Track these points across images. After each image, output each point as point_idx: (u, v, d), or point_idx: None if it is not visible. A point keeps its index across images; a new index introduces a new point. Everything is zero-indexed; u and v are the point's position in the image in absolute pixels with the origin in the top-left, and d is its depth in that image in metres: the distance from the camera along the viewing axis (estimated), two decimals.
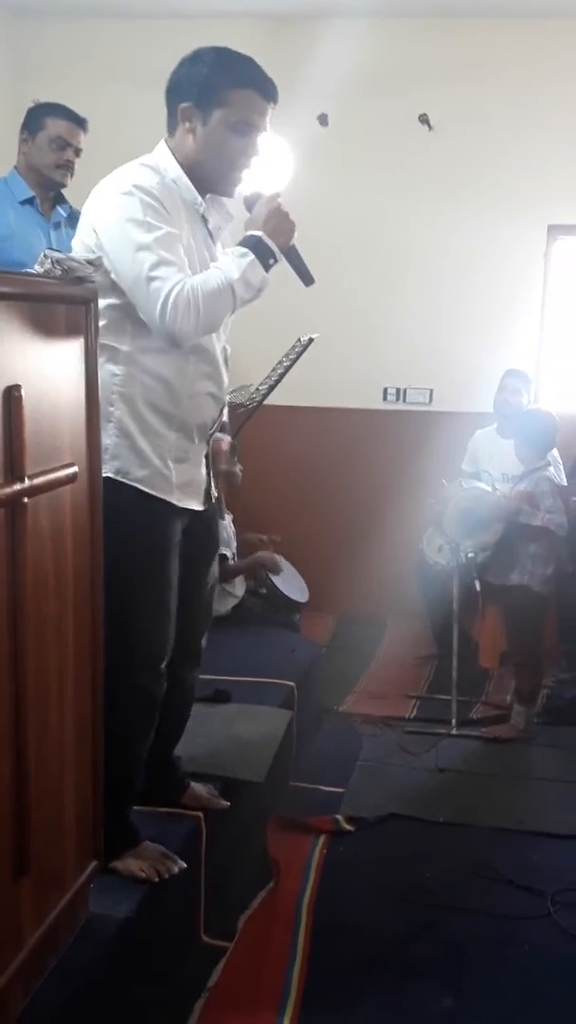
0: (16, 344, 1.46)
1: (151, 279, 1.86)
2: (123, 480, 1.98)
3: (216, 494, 2.26)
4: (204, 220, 2.08)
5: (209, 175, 2.04)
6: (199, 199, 2.04)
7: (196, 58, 2.01)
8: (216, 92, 1.97)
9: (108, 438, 1.96)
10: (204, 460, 2.18)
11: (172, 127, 2.05)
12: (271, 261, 1.98)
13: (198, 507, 2.15)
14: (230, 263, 1.94)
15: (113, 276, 1.92)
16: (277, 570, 4.11)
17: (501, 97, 4.72)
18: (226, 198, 2.14)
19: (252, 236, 1.98)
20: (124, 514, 1.95)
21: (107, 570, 1.86)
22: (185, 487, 2.09)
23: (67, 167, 3.13)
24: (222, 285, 1.90)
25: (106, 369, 1.94)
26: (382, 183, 4.79)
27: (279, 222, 2.00)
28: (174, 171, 2.02)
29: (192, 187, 2.03)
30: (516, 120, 4.73)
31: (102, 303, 1.92)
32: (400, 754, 3.56)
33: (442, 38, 4.72)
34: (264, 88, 2.00)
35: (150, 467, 2.01)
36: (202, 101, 1.98)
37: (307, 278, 2.08)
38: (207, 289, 1.88)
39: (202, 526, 2.19)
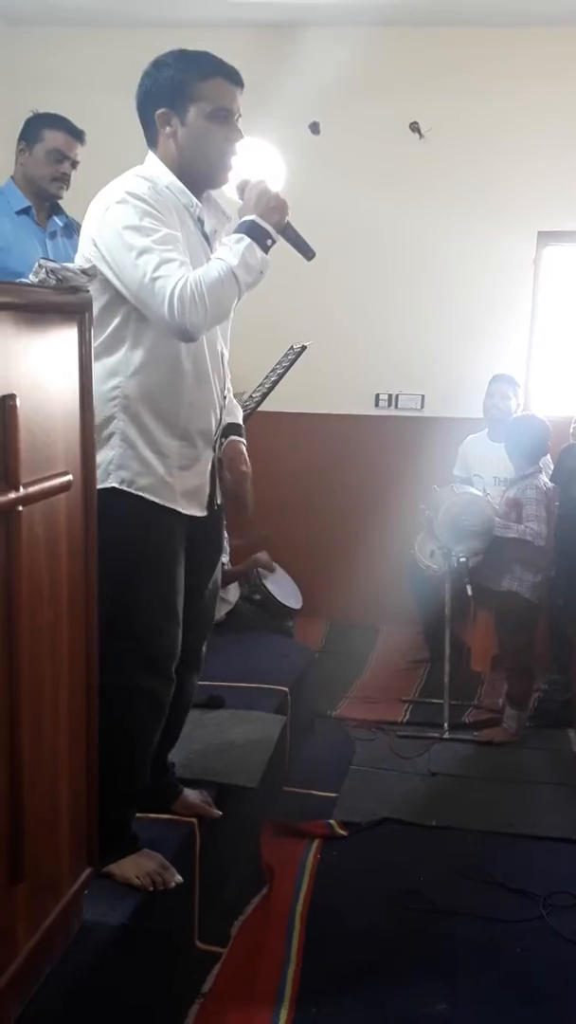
0: (11, 353, 1.47)
1: (155, 279, 1.88)
2: (128, 489, 2.00)
3: (220, 501, 2.25)
4: (200, 223, 2.09)
5: (200, 170, 2.07)
6: (194, 201, 2.07)
7: (158, 65, 2.06)
8: (186, 89, 2.02)
9: (112, 449, 1.98)
10: (209, 466, 2.18)
11: (152, 138, 2.09)
12: (269, 242, 1.99)
13: (200, 513, 2.15)
14: (227, 251, 1.96)
15: (117, 284, 1.94)
16: (271, 568, 4.12)
17: (491, 105, 4.75)
18: (221, 200, 2.17)
19: (245, 221, 2.00)
20: (131, 523, 1.97)
21: (115, 578, 1.89)
22: (189, 494, 2.11)
23: (63, 180, 3.14)
24: (223, 273, 1.91)
25: (107, 383, 1.96)
26: (373, 191, 4.81)
27: (268, 201, 2.01)
28: (166, 177, 2.05)
29: (186, 190, 2.06)
30: (506, 128, 4.76)
31: (101, 317, 1.94)
32: (393, 758, 3.57)
33: (432, 47, 4.75)
34: (229, 74, 2.05)
35: (154, 476, 2.03)
36: (175, 102, 2.03)
37: (307, 252, 2.09)
38: (209, 279, 1.89)
39: (204, 533, 2.20)
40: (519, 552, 3.65)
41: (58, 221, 3.23)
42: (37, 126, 3.12)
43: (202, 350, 2.07)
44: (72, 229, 3.21)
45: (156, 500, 2.03)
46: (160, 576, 2.06)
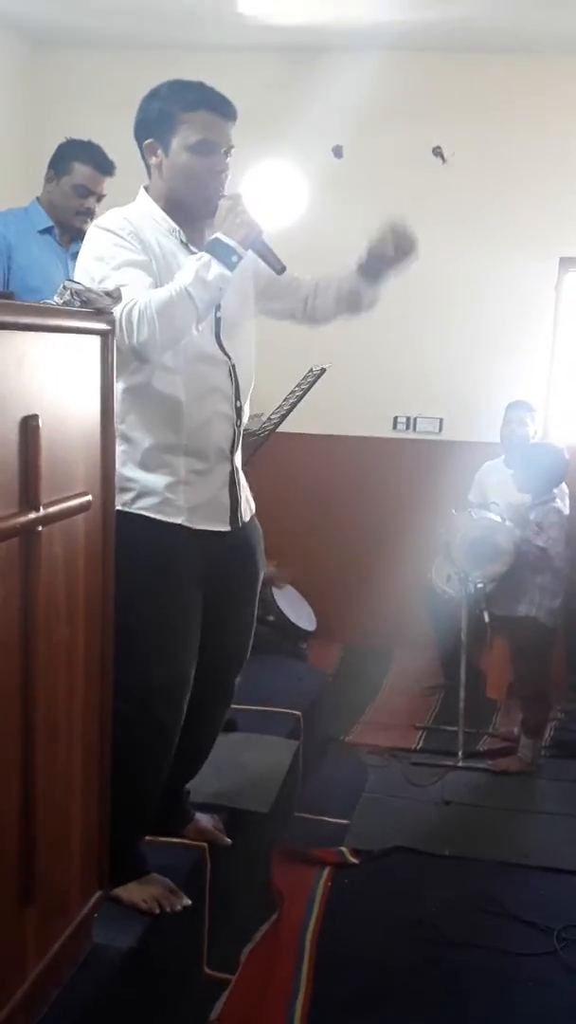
0: (35, 374, 1.48)
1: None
2: (126, 509, 2.00)
3: (247, 518, 2.23)
4: (187, 248, 2.08)
5: (184, 201, 2.09)
6: (174, 226, 2.08)
7: (151, 96, 2.09)
8: (170, 120, 2.04)
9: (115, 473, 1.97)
10: (230, 479, 2.16)
11: (146, 168, 2.13)
12: (234, 258, 1.98)
13: (222, 528, 2.13)
14: (185, 271, 1.96)
15: None
16: (281, 583, 4.12)
17: (514, 131, 4.76)
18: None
19: (210, 240, 2.01)
20: (130, 543, 1.94)
21: (121, 599, 1.87)
22: (200, 508, 2.09)
23: (87, 214, 3.12)
24: (174, 292, 1.92)
25: None
26: (395, 214, 4.82)
27: (233, 218, 2.01)
28: (147, 206, 2.09)
29: (166, 216, 2.08)
30: (529, 153, 4.77)
31: None
32: (406, 786, 3.53)
33: (456, 72, 4.78)
34: (215, 105, 2.05)
35: (154, 493, 2.03)
36: (160, 133, 2.06)
37: (275, 265, 2.09)
38: (159, 299, 1.90)
39: (232, 556, 2.17)
40: (544, 574, 3.62)
41: (80, 244, 3.24)
42: (67, 157, 3.12)
43: (199, 368, 2.07)
44: None
45: (157, 517, 2.03)
46: (164, 598, 2.04)
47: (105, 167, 3.12)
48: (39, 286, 2.93)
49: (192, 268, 1.94)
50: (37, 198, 3.21)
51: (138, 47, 4.73)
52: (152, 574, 2.02)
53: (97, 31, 4.72)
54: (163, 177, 2.09)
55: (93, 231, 2.05)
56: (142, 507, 2.02)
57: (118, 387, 1.93)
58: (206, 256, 1.96)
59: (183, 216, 2.09)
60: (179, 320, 1.93)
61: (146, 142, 2.08)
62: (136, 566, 1.95)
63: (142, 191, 2.13)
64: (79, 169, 3.10)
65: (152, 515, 2.03)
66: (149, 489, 2.03)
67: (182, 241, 2.09)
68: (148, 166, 2.11)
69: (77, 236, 3.20)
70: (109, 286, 1.87)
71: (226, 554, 2.15)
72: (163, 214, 2.08)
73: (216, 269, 1.94)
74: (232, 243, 1.98)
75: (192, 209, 2.09)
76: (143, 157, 2.12)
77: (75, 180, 3.10)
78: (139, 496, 2.02)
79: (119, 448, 1.97)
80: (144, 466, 2.03)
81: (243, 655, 2.33)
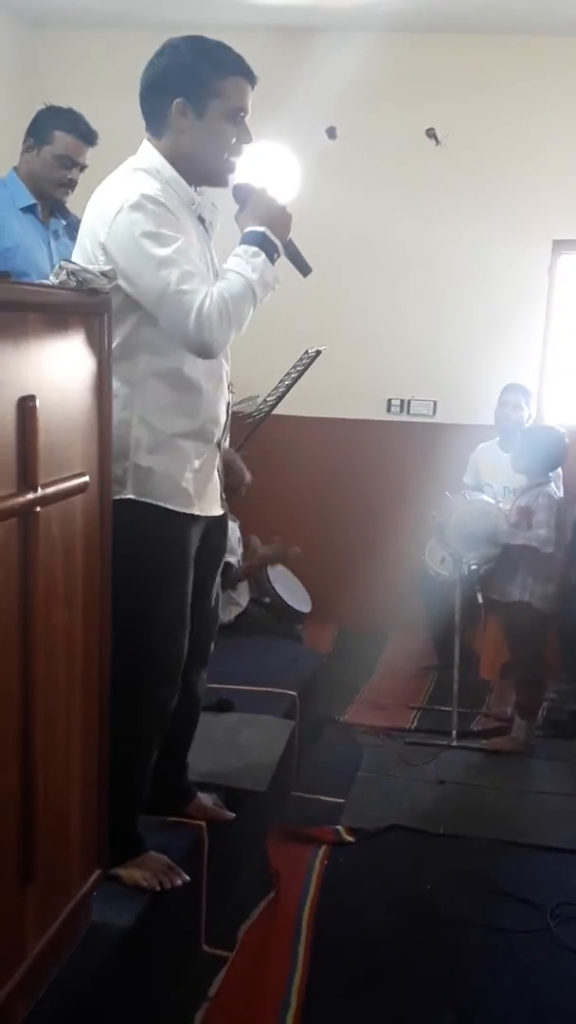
0: (31, 355, 1.47)
1: (181, 292, 1.85)
2: (145, 500, 1.98)
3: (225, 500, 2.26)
4: (200, 220, 2.06)
5: (205, 167, 2.02)
6: (196, 198, 2.03)
7: (173, 52, 1.99)
8: (208, 83, 1.96)
9: (128, 459, 1.96)
10: (216, 464, 2.18)
11: (158, 126, 2.01)
12: (276, 256, 1.98)
13: (219, 512, 2.16)
14: (244, 264, 1.93)
15: (131, 292, 1.90)
16: (284, 559, 4.14)
17: (508, 113, 4.74)
18: (210, 188, 2.11)
19: (256, 232, 1.97)
20: (149, 534, 1.96)
21: (133, 590, 1.89)
22: (203, 495, 2.10)
23: (69, 185, 3.02)
24: (245, 288, 1.90)
25: (121, 391, 1.92)
26: (389, 196, 4.81)
27: (277, 215, 2.00)
28: (168, 171, 1.99)
29: (188, 187, 2.01)
30: (523, 136, 4.75)
31: (113, 325, 1.92)
32: (401, 765, 3.56)
33: (450, 53, 4.75)
34: (249, 74, 2.01)
35: (171, 483, 2.01)
36: (194, 94, 1.96)
37: (305, 268, 2.08)
38: (234, 295, 1.88)
39: (214, 533, 2.20)
40: (528, 560, 3.64)
41: (61, 219, 3.13)
42: (48, 125, 2.98)
43: None
44: (73, 228, 3.03)
45: (174, 508, 2.02)
46: (177, 587, 2.06)
47: (88, 136, 2.99)
48: (25, 270, 2.85)
49: (254, 266, 1.92)
50: (15, 168, 3.06)
51: (131, 26, 4.68)
52: (164, 562, 2.02)
53: (90, 10, 4.68)
54: (187, 139, 1.98)
55: (130, 196, 1.87)
56: (157, 497, 1.99)
57: (146, 372, 1.94)
58: (262, 253, 1.93)
59: (191, 181, 2.02)
60: (246, 317, 1.92)
61: (176, 101, 1.95)
62: (148, 553, 1.96)
63: (152, 148, 2.01)
64: (61, 138, 2.96)
65: (166, 505, 2.00)
66: (164, 477, 2.00)
67: (200, 217, 2.04)
68: (163, 125, 1.99)
69: (56, 209, 3.12)
70: (175, 271, 1.83)
71: (210, 532, 2.17)
72: (184, 183, 2.00)
73: (272, 269, 1.95)
74: (279, 242, 1.97)
75: (206, 176, 2.03)
76: (156, 114, 1.99)
77: (57, 150, 2.96)
78: (154, 485, 1.99)
79: (135, 434, 1.95)
80: (160, 453, 1.99)
81: (217, 621, 2.36)
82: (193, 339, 1.87)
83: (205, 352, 1.90)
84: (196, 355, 1.93)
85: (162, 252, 1.86)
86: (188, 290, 1.85)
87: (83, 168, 3.05)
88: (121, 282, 1.87)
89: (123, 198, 1.89)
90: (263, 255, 1.94)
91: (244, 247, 1.97)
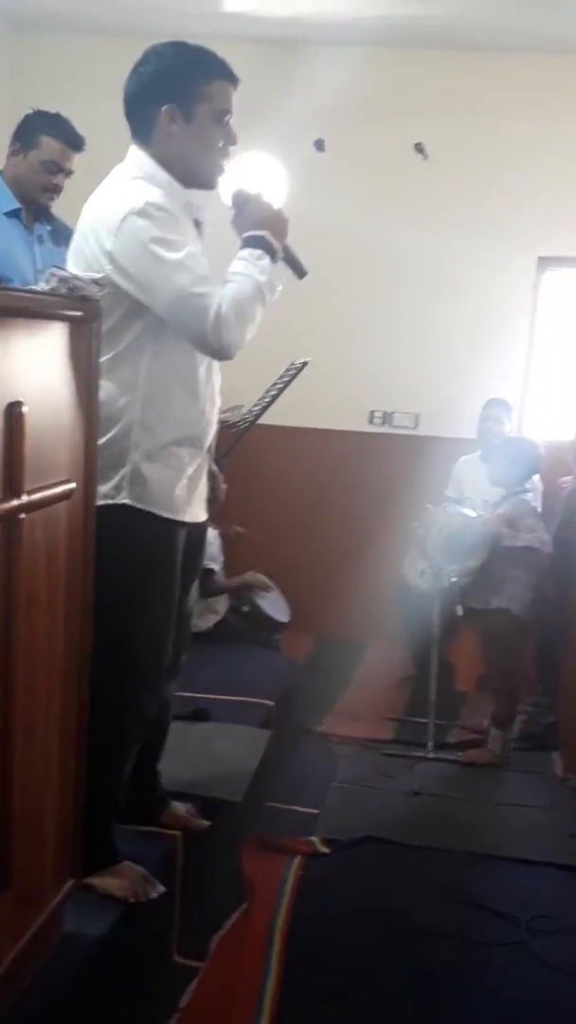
0: (19, 361, 1.47)
1: (197, 296, 1.86)
2: (140, 507, 1.98)
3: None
4: (197, 224, 2.07)
5: (196, 171, 2.04)
6: (191, 202, 2.05)
7: (158, 58, 2.01)
8: (195, 88, 1.98)
9: (126, 465, 1.96)
10: (205, 470, 2.19)
11: (146, 133, 2.02)
12: (276, 259, 1.99)
13: (203, 517, 2.17)
14: (252, 267, 1.94)
15: (141, 298, 1.90)
16: (268, 589, 4.12)
17: (495, 129, 4.79)
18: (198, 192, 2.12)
19: (257, 236, 1.98)
20: (141, 541, 1.96)
21: (122, 596, 1.89)
22: (191, 501, 2.11)
23: (55, 190, 3.01)
24: (256, 290, 1.91)
25: (122, 397, 1.93)
26: (376, 210, 4.84)
27: (275, 219, 2.01)
28: (163, 177, 2.01)
29: (183, 191, 2.03)
30: (509, 152, 4.80)
31: (115, 331, 1.91)
32: (376, 776, 3.56)
33: (439, 69, 4.79)
34: (232, 76, 2.04)
35: (166, 491, 2.01)
36: (182, 100, 1.98)
37: (301, 271, 2.09)
38: (247, 297, 1.89)
39: (195, 538, 2.20)
40: (522, 566, 3.65)
41: (46, 224, 3.11)
42: (35, 130, 2.96)
43: (215, 360, 2.07)
44: (58, 234, 3.08)
45: (167, 515, 2.02)
46: (165, 594, 2.06)
47: (75, 142, 2.98)
48: (8, 275, 2.81)
49: (261, 269, 1.93)
50: (0, 171, 3.05)
51: (119, 33, 4.69)
52: (154, 568, 2.03)
53: (79, 17, 4.69)
54: (177, 145, 2.00)
55: (135, 204, 1.88)
56: (152, 503, 1.99)
57: (147, 378, 1.94)
58: (266, 256, 1.95)
59: (183, 185, 2.04)
60: (257, 320, 1.93)
61: (164, 108, 1.97)
62: (139, 559, 1.96)
63: (142, 154, 2.02)
64: (48, 143, 2.95)
65: (161, 512, 2.00)
66: (160, 484, 2.00)
67: (196, 221, 2.06)
68: (151, 132, 2.00)
69: (41, 214, 3.10)
70: (188, 276, 1.84)
71: (191, 539, 2.17)
72: (178, 187, 2.01)
73: (276, 272, 1.96)
74: (277, 245, 1.98)
75: (196, 179, 2.04)
76: (142, 121, 2.01)
77: (43, 155, 2.95)
78: (150, 491, 1.99)
79: (134, 439, 1.96)
80: (158, 460, 1.99)
81: (190, 628, 2.36)
82: (211, 341, 1.88)
83: (223, 354, 1.92)
84: (213, 357, 1.95)
85: (174, 257, 1.87)
86: (203, 293, 1.87)
87: (69, 173, 3.04)
88: (130, 288, 1.88)
89: (128, 205, 1.90)
90: (267, 258, 1.96)
91: (248, 251, 1.98)
